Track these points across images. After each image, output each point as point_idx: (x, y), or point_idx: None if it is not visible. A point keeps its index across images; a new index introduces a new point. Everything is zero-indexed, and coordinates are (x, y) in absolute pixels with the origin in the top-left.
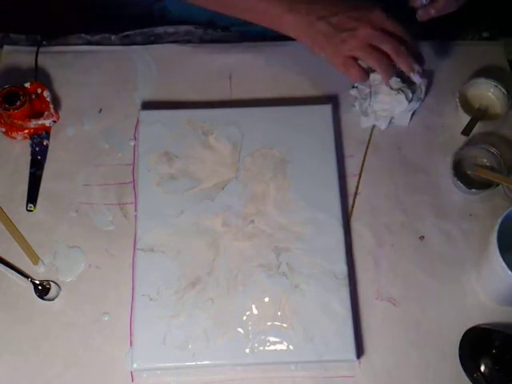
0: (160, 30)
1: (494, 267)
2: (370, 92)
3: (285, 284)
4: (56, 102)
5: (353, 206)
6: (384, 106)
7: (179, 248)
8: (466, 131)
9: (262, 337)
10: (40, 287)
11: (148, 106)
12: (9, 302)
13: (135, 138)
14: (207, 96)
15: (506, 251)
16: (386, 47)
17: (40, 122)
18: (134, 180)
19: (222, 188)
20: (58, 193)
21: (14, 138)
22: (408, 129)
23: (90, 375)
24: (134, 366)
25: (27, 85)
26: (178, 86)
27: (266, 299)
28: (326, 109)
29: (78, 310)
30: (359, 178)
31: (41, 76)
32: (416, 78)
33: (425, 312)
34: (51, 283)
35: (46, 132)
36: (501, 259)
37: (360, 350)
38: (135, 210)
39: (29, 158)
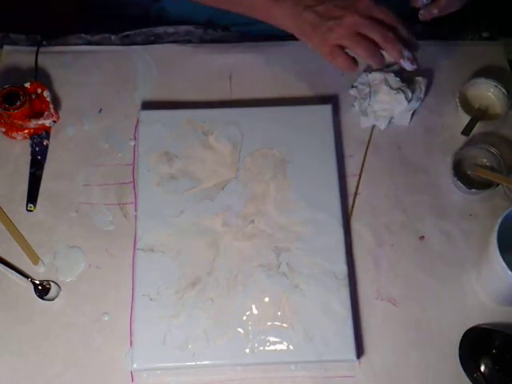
0: (160, 29)
1: (494, 267)
2: (370, 92)
3: (285, 284)
4: (56, 102)
5: (353, 206)
6: (384, 105)
7: (179, 248)
8: (466, 131)
9: (262, 337)
10: (40, 287)
11: (148, 105)
12: (9, 302)
13: (135, 138)
14: (207, 96)
15: (506, 251)
16: (374, 35)
17: (40, 121)
18: (134, 180)
19: (222, 188)
20: (58, 193)
21: (14, 138)
22: (408, 129)
23: (90, 375)
24: (134, 366)
25: (27, 85)
26: (178, 86)
27: (266, 299)
28: (326, 109)
29: (78, 310)
30: (359, 178)
31: (41, 76)
32: (406, 65)
33: (425, 312)
34: (51, 283)
35: (46, 132)
36: (501, 259)
37: (360, 350)
38: (135, 210)
39: (29, 157)
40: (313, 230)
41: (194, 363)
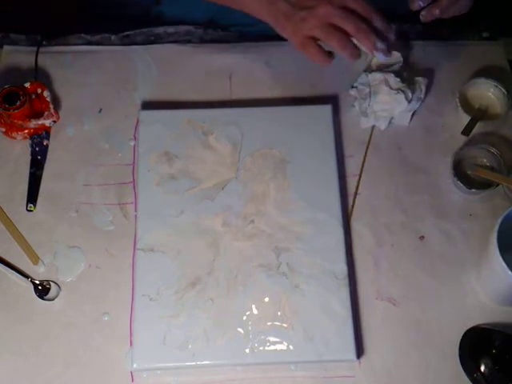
0: (160, 30)
1: (494, 267)
2: (370, 92)
3: (285, 284)
4: (56, 102)
5: (353, 206)
6: (383, 106)
7: (179, 248)
8: (466, 131)
9: (262, 337)
10: (40, 287)
11: (148, 105)
12: (9, 302)
13: (135, 138)
14: (207, 96)
15: (506, 251)
16: (347, 26)
17: (40, 121)
18: (134, 180)
19: (222, 188)
20: (58, 193)
21: (14, 138)
22: (408, 129)
23: (90, 375)
24: (134, 366)
25: (27, 85)
26: (178, 86)
27: (266, 299)
28: (326, 109)
29: (78, 310)
30: (359, 178)
31: (41, 76)
32: (379, 56)
33: (425, 312)
34: (51, 283)
35: (46, 132)
36: (501, 259)
37: (360, 350)
38: (135, 210)
39: (29, 157)
40: (313, 230)
41: (193, 363)
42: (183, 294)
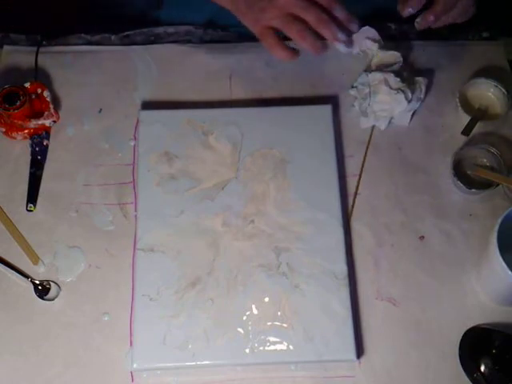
0: (160, 30)
1: (494, 267)
2: (370, 92)
3: (285, 284)
4: (56, 102)
5: (353, 206)
6: (383, 106)
7: (179, 248)
8: (466, 131)
9: (262, 337)
10: (40, 287)
11: (148, 105)
12: (9, 302)
13: (135, 138)
14: (207, 96)
15: (506, 251)
16: (308, 16)
17: (40, 121)
18: (134, 180)
19: (222, 188)
20: (58, 193)
21: (14, 138)
22: (408, 129)
23: (90, 375)
24: (134, 366)
25: (27, 85)
26: (178, 86)
27: (266, 299)
28: (326, 109)
29: (78, 310)
30: (359, 178)
31: (41, 76)
32: (341, 47)
33: (425, 312)
34: (51, 283)
35: (46, 132)
36: (501, 259)
37: (360, 350)
38: (135, 210)
39: (29, 157)
40: (313, 230)
41: (193, 363)
42: (183, 294)
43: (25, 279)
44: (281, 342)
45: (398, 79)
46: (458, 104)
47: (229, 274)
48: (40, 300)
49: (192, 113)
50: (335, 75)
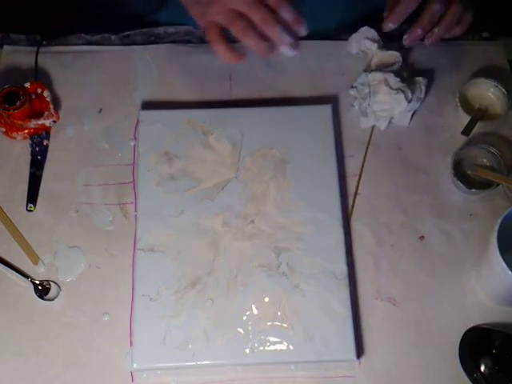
0: (160, 30)
1: (494, 267)
2: (370, 92)
3: (285, 284)
4: (56, 102)
5: (353, 206)
6: (383, 106)
7: (179, 248)
8: (466, 131)
9: (262, 337)
10: (40, 287)
11: (148, 105)
12: (9, 302)
13: (135, 138)
14: (207, 96)
15: (506, 251)
16: (254, 15)
17: (40, 121)
18: (134, 180)
19: (222, 188)
20: (58, 193)
21: (14, 138)
22: (408, 129)
23: (90, 375)
24: (134, 366)
25: (27, 85)
26: (178, 86)
27: (266, 299)
28: (326, 109)
29: (78, 310)
30: (359, 178)
31: (41, 76)
32: (285, 51)
33: (425, 312)
34: (51, 283)
35: (46, 132)
36: (501, 259)
37: (360, 350)
38: (135, 210)
39: (29, 157)
40: (313, 230)
41: (193, 363)
42: (183, 294)
43: (25, 279)
44: (281, 342)
45: (398, 79)
46: (458, 104)
47: (229, 274)
48: (40, 300)
49: (192, 113)
50: (335, 75)
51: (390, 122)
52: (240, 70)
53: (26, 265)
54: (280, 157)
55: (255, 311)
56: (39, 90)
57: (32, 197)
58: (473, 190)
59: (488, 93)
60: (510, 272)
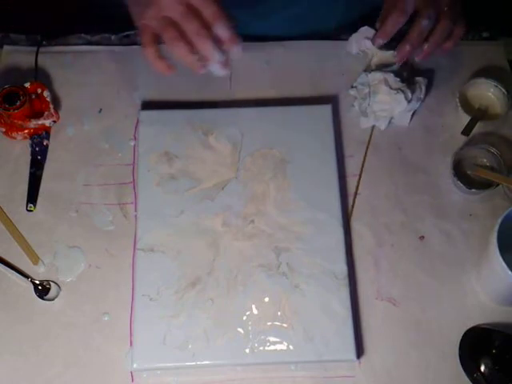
0: None
1: (494, 267)
2: (370, 92)
3: (285, 284)
4: (56, 102)
5: (353, 206)
6: (383, 106)
7: (179, 248)
8: (466, 131)
9: (262, 337)
10: (40, 287)
11: (148, 105)
12: (9, 302)
13: (135, 138)
14: (207, 96)
15: (506, 251)
16: (186, 25)
17: (40, 121)
18: (134, 180)
19: (222, 188)
20: (58, 193)
21: (14, 138)
22: (408, 129)
23: (90, 375)
24: (134, 366)
25: (27, 85)
26: (178, 86)
27: (266, 299)
28: (326, 109)
29: (78, 310)
30: (359, 178)
31: (41, 76)
32: (214, 69)
33: (425, 312)
34: (51, 283)
35: (46, 132)
36: (501, 259)
37: (360, 350)
38: (135, 210)
39: (29, 157)
40: (313, 230)
41: (193, 363)
42: (183, 293)
43: (25, 279)
44: (281, 342)
45: (398, 79)
46: (458, 104)
47: (229, 274)
48: (40, 300)
49: (192, 113)
50: (335, 75)
51: (390, 121)
52: (240, 69)
53: (26, 265)
54: (280, 157)
55: (255, 311)
56: (39, 90)
57: (32, 197)
58: (473, 190)
59: (488, 93)
60: (509, 272)
